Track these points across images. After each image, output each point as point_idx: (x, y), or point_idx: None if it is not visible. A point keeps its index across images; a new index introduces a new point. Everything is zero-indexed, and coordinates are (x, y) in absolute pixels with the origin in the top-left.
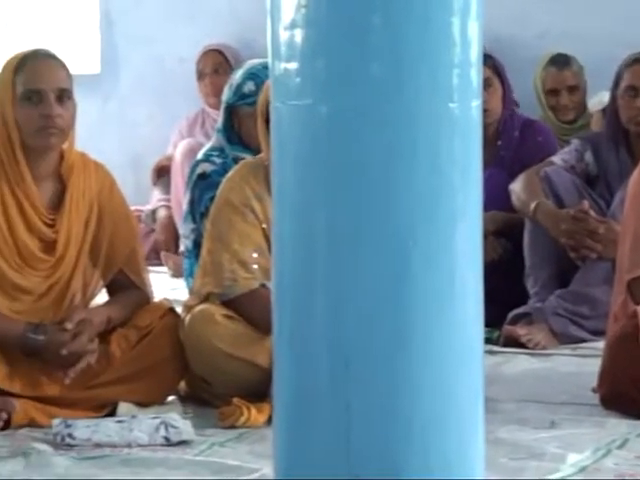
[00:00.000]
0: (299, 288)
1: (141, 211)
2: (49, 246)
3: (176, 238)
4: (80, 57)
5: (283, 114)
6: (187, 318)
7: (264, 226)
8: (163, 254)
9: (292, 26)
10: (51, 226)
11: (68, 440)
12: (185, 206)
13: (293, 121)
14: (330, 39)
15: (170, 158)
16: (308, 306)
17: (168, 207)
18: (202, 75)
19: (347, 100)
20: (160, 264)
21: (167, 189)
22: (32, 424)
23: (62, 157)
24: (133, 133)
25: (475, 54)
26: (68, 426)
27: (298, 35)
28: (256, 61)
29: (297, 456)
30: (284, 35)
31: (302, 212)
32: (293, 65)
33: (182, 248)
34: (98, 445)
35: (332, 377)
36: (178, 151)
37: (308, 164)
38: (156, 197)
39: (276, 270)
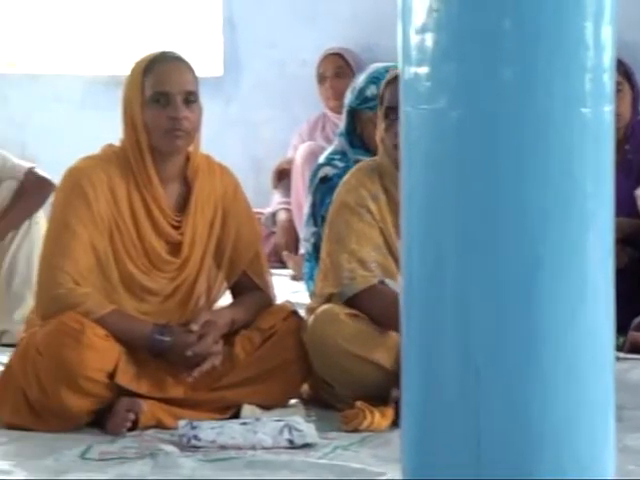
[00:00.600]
0: (428, 294)
1: (261, 214)
2: (175, 248)
3: (296, 241)
4: (203, 60)
5: (413, 118)
6: (310, 319)
7: (381, 225)
8: (285, 254)
9: (423, 30)
10: (177, 228)
11: (194, 442)
12: (306, 209)
13: (423, 125)
14: (461, 43)
15: (291, 161)
16: (437, 312)
17: (288, 210)
18: (323, 79)
19: (478, 105)
20: (280, 267)
21: (287, 192)
22: (158, 425)
23: (188, 159)
24: (254, 136)
25: (608, 59)
26: (194, 428)
27: (429, 39)
28: (379, 65)
29: (426, 461)
30: (415, 39)
31: (431, 217)
32: (424, 69)
33: (302, 251)
34: (223, 447)
35: (462, 385)
36: (299, 154)
37: (438, 168)
38: (276, 200)
39: (405, 275)
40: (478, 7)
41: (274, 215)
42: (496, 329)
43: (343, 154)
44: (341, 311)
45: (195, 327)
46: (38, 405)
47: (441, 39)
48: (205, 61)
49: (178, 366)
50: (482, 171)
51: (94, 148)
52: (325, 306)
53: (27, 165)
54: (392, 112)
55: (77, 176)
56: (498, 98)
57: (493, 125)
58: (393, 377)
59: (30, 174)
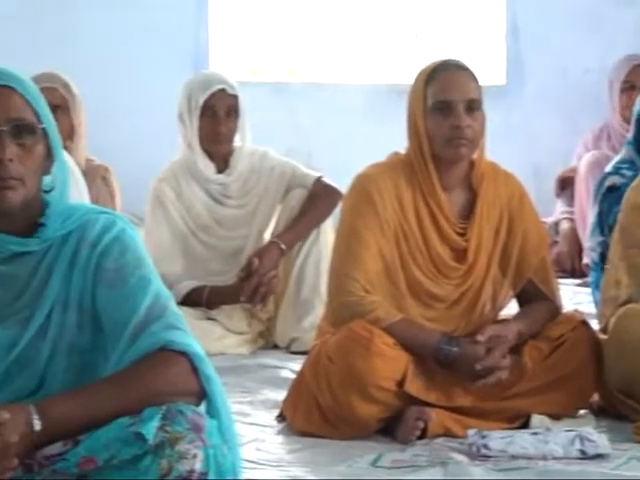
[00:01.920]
0: None
1: (544, 222)
2: (460, 255)
3: (579, 251)
4: (487, 68)
5: None
6: (612, 320)
7: None
8: None
9: None
10: (462, 235)
11: (484, 451)
12: (592, 218)
13: None
14: None
15: (574, 170)
16: None
17: (571, 219)
18: (629, 88)
19: None
20: (563, 276)
21: (570, 201)
22: (447, 434)
23: (472, 166)
24: (535, 144)
25: None
26: (483, 437)
27: None
28: None
29: None
30: None
31: None
32: None
33: (586, 260)
34: (513, 457)
35: None
36: (583, 163)
37: None
38: (559, 209)
39: None
40: None
41: (557, 224)
42: None
43: (631, 163)
44: None
45: (482, 338)
46: (330, 412)
47: None
48: (489, 69)
49: (463, 376)
50: None
51: (377, 157)
52: (630, 305)
53: (315, 174)
54: None
55: (365, 183)
56: None
57: None
58: None
59: (318, 183)
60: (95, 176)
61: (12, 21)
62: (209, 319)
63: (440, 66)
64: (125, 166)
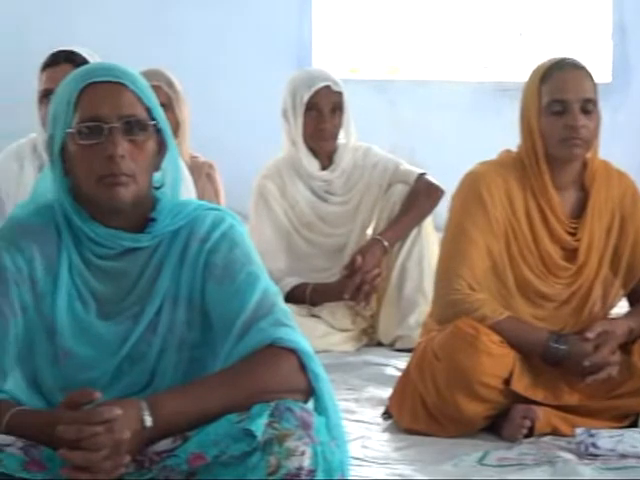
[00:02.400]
0: None
1: None
2: (570, 254)
3: None
4: (592, 66)
5: None
6: None
7: None
8: None
9: None
10: (573, 234)
11: (592, 450)
12: None
13: None
14: None
15: None
16: None
17: None
18: None
19: None
20: None
21: None
22: (554, 432)
23: (584, 165)
24: None
25: None
26: (591, 435)
27: None
28: None
29: None
30: None
31: None
32: None
33: None
34: (623, 456)
35: None
36: None
37: None
38: None
39: None
40: None
41: None
42: None
43: None
44: None
45: (590, 335)
46: (435, 410)
47: None
48: (595, 67)
49: (572, 373)
50: None
51: (481, 154)
52: None
53: (418, 171)
54: None
55: (475, 181)
56: None
57: None
58: None
59: (421, 180)
60: (200, 173)
61: (119, 19)
62: (313, 316)
63: (556, 65)
64: (229, 163)
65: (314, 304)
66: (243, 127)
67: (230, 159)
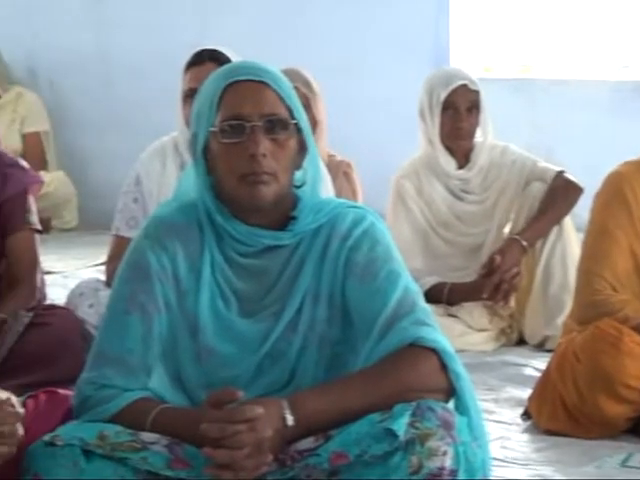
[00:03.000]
0: None
1: None
2: None
3: None
4: None
5: None
6: None
7: None
8: None
9: None
10: None
11: None
12: None
13: None
14: None
15: None
16: None
17: None
18: None
19: None
20: None
21: None
22: None
23: None
24: None
25: None
26: None
27: None
28: None
29: None
30: None
31: None
32: None
33: None
34: None
35: None
36: None
37: None
38: None
39: None
40: None
41: None
42: None
43: None
44: None
45: None
46: (576, 411)
47: None
48: None
49: None
50: None
51: (620, 154)
52: None
53: (556, 169)
54: None
55: (618, 181)
56: None
57: None
58: None
59: (559, 178)
60: (337, 172)
61: (258, 18)
62: (450, 315)
63: None
64: (365, 163)
65: (451, 303)
66: (380, 126)
67: (367, 158)
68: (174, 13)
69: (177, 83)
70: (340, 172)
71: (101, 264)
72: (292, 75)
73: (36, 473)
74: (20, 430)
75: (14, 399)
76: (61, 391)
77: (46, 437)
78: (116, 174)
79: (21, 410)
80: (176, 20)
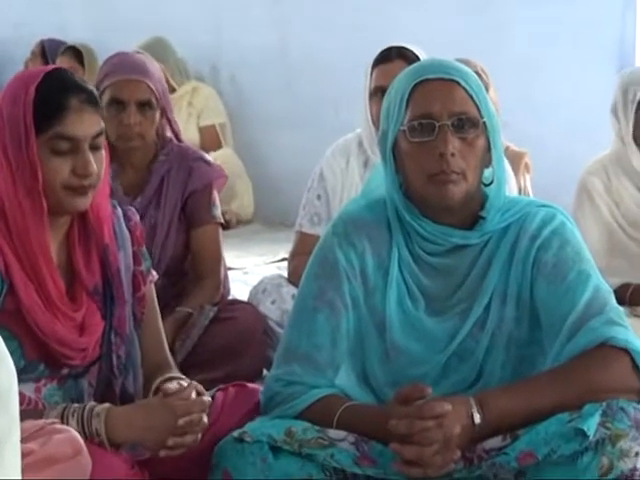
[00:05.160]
0: None
1: None
2: None
3: None
4: None
5: None
6: None
7: None
8: None
9: None
10: None
11: None
12: None
13: None
14: None
15: None
16: None
17: None
18: None
19: None
20: None
21: None
22: None
23: None
24: None
25: None
26: None
27: None
28: None
29: None
30: None
31: None
32: None
33: None
34: None
35: None
36: None
37: None
38: None
39: None
40: None
41: None
42: None
43: None
44: None
45: None
46: None
47: None
48: None
49: None
50: None
51: None
52: None
53: None
54: None
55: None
56: None
57: None
58: None
59: None
60: (519, 163)
61: (442, 15)
62: (636, 316)
63: None
64: (548, 161)
65: (636, 304)
66: (562, 125)
67: (549, 157)
68: (355, 11)
69: (358, 81)
70: (522, 163)
71: (280, 260)
72: (469, 65)
73: (225, 469)
74: (204, 419)
75: (200, 388)
76: (250, 385)
77: (235, 433)
78: (293, 171)
79: (207, 398)
80: (357, 18)
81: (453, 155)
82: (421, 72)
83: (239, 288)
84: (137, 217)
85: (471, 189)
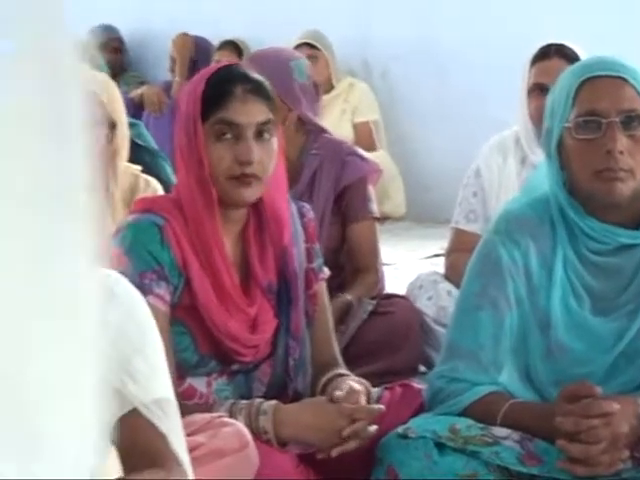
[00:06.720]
0: None
1: None
2: None
3: None
4: None
5: None
6: None
7: None
8: None
9: None
10: None
11: None
12: None
13: None
14: None
15: None
16: None
17: None
18: None
19: None
20: None
21: None
22: None
23: None
24: None
25: None
26: None
27: None
28: None
29: None
30: None
31: None
32: None
33: None
34: None
35: None
36: None
37: None
38: None
39: None
40: None
41: None
42: None
43: None
44: None
45: None
46: None
47: None
48: None
49: None
50: None
51: None
52: None
53: None
54: None
55: None
56: None
57: None
58: None
59: None
60: None
61: (586, 14)
62: None
63: None
64: None
65: None
66: None
67: None
68: (503, 5)
69: (513, 76)
70: None
71: (433, 256)
72: None
73: (390, 464)
74: (370, 428)
75: (368, 386)
76: (416, 385)
77: (399, 429)
78: (445, 167)
79: (377, 407)
80: (505, 12)
81: (621, 153)
82: (588, 69)
83: (392, 284)
84: (311, 214)
85: (638, 187)
